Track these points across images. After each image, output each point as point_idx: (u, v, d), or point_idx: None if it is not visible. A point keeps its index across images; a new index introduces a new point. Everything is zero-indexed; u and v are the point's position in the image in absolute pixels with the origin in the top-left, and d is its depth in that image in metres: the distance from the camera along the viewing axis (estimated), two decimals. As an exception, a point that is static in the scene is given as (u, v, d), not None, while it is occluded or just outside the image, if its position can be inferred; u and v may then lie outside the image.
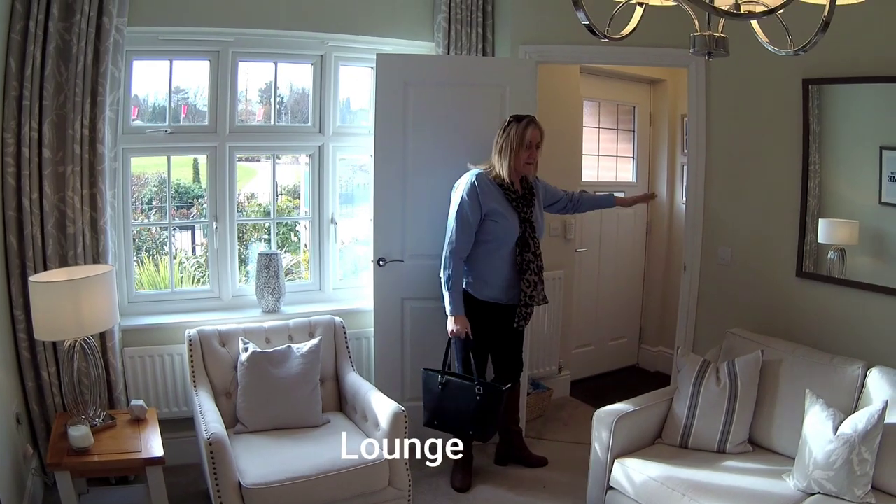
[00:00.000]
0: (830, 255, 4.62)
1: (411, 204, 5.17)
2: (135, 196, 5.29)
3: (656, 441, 4.33)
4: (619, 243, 7.13)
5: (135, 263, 5.24)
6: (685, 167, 6.00)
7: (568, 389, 6.60)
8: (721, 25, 2.28)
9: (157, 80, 5.08)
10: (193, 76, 5.17)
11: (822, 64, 4.44)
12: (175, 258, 5.51)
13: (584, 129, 6.72)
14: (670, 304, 6.72)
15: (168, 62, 5.06)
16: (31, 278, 3.89)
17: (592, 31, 2.17)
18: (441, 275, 4.72)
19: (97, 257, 4.47)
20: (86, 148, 4.39)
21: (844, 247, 4.57)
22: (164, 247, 5.45)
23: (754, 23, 2.27)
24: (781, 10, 2.03)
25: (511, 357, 4.96)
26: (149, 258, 5.55)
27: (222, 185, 5.20)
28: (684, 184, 6.21)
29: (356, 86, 5.64)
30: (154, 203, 5.49)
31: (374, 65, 5.09)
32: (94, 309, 3.81)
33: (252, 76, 5.32)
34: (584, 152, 6.72)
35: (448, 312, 4.65)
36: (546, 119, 5.37)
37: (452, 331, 4.66)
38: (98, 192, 4.44)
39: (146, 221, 5.45)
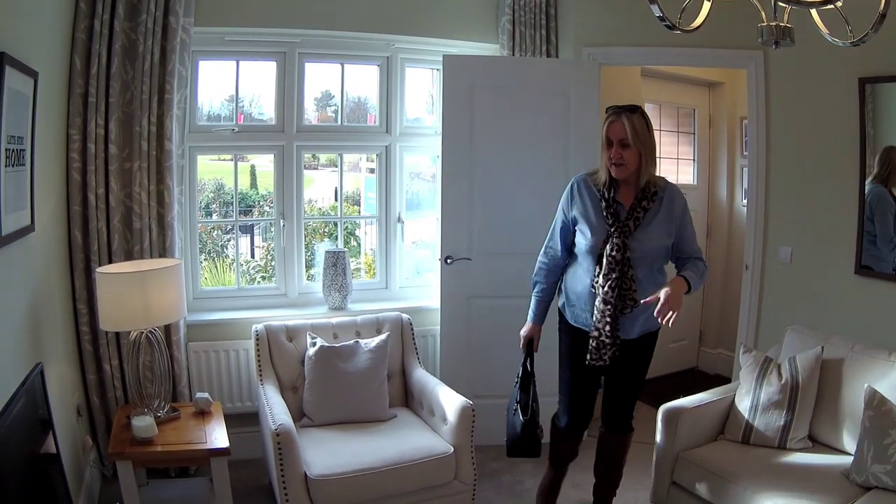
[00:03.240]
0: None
1: (478, 203, 5.24)
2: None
3: (719, 437, 4.33)
4: None
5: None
6: (744, 169, 6.02)
7: None
8: (787, 16, 2.31)
9: (215, 86, 5.23)
10: (250, 85, 5.31)
11: (878, 62, 4.43)
12: (237, 261, 5.58)
13: None
14: (730, 307, 6.67)
15: (234, 63, 5.17)
16: (97, 269, 3.98)
17: (665, 23, 2.24)
18: None
19: (164, 252, 4.56)
20: (153, 145, 4.49)
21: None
22: (225, 249, 5.60)
23: (815, 13, 2.32)
24: (840, 1, 2.07)
25: (612, 402, 4.18)
26: (208, 260, 5.69)
27: (290, 183, 5.28)
28: (744, 186, 6.20)
29: (412, 96, 5.71)
30: (212, 208, 5.61)
31: (438, 66, 5.18)
32: (162, 301, 3.88)
33: (309, 83, 5.40)
34: None
35: (528, 316, 4.14)
36: None
37: (521, 335, 4.14)
38: (165, 188, 4.53)
39: (213, 219, 5.56)
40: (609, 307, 3.68)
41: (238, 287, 5.43)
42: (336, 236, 5.78)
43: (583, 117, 5.23)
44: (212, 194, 5.70)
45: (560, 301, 4.03)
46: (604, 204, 3.73)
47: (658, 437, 4.22)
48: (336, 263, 5.21)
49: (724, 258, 7.17)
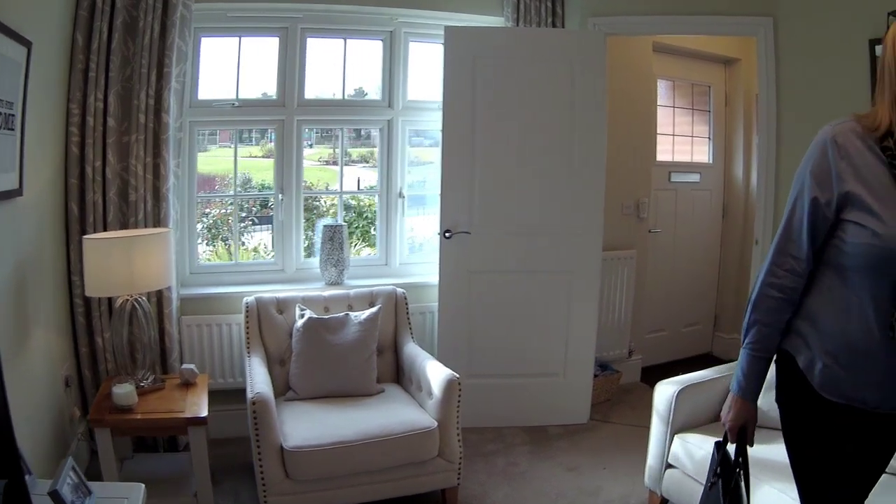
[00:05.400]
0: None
1: (479, 176, 5.15)
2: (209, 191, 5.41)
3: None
4: (695, 226, 7.00)
5: (207, 247, 5.34)
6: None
7: (639, 374, 6.48)
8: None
9: (219, 63, 5.21)
10: (252, 62, 5.29)
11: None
12: (255, 250, 5.64)
13: (659, 108, 6.63)
14: (746, 291, 6.42)
15: (237, 39, 5.15)
16: (85, 237, 3.96)
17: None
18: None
19: (158, 224, 4.54)
20: (150, 118, 4.48)
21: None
22: (241, 236, 5.57)
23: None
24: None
25: None
26: (224, 248, 5.72)
27: (289, 157, 5.25)
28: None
29: (414, 77, 5.63)
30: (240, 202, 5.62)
31: (443, 41, 5.07)
32: (147, 267, 3.87)
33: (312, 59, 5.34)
34: (658, 132, 6.63)
35: (731, 387, 2.53)
36: (619, 97, 5.48)
37: (723, 419, 2.61)
38: (162, 160, 4.52)
39: (210, 194, 5.54)
40: None
41: (235, 262, 5.43)
42: (365, 215, 5.69)
43: (588, 89, 5.13)
44: (240, 188, 5.68)
45: (800, 355, 2.34)
46: None
47: (654, 415, 4.09)
48: (333, 238, 5.15)
49: (740, 240, 7.04)
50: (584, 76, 5.11)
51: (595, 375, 5.57)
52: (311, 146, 5.74)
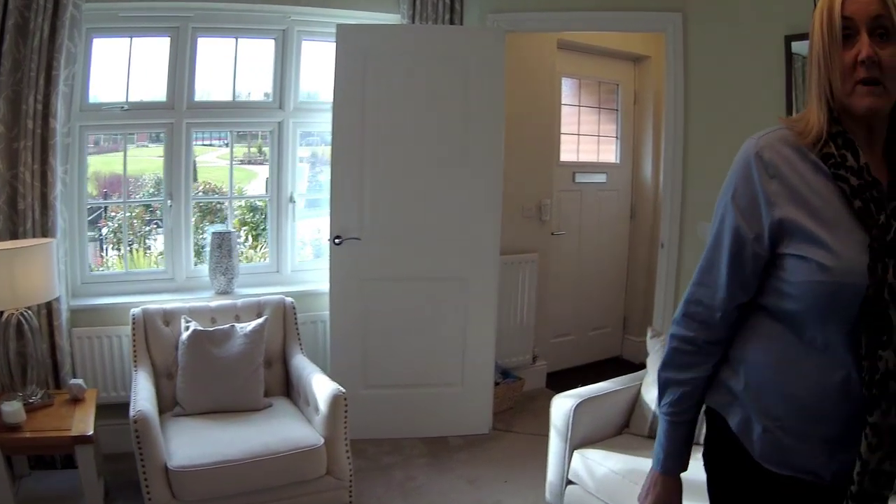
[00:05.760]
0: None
1: (369, 179, 5.10)
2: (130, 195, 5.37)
3: (623, 430, 4.13)
4: (601, 227, 7.07)
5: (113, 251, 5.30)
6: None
7: (544, 380, 6.51)
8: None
9: (109, 65, 5.06)
10: (143, 63, 5.14)
11: (808, 19, 4.08)
12: (162, 254, 5.48)
13: (563, 107, 6.69)
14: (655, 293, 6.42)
15: (129, 39, 5.07)
16: None
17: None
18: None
19: (46, 233, 4.45)
20: (38, 123, 4.38)
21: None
22: (146, 240, 5.55)
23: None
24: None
25: None
26: (132, 252, 5.57)
27: (178, 162, 5.16)
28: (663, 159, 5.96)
29: (308, 78, 5.60)
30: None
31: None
32: (30, 280, 3.82)
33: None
34: (562, 131, 6.68)
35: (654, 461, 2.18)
36: (520, 96, 5.52)
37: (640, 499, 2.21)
38: (49, 167, 4.43)
39: (102, 201, 5.49)
40: (890, 419, 1.67)
41: (126, 271, 5.31)
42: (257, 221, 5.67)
43: (486, 87, 5.12)
44: (153, 189, 5.60)
45: (732, 415, 1.98)
46: (855, 183, 1.72)
47: (552, 431, 4.02)
48: (222, 245, 5.09)
49: (649, 241, 7.10)
50: (481, 75, 5.09)
51: (496, 383, 5.59)
52: (226, 145, 5.65)
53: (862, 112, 1.72)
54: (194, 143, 5.28)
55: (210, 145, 5.72)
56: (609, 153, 7.14)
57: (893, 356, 1.65)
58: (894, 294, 1.66)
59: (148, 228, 5.43)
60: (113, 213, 5.55)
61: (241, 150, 5.79)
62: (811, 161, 1.77)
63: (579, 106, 6.89)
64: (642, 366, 6.54)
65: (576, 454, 3.85)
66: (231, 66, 5.34)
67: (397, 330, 5.13)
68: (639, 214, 7.21)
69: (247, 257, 5.83)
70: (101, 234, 5.46)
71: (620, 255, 7.27)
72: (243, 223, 5.90)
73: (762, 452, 1.86)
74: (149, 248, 5.53)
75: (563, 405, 3.91)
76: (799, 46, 4.36)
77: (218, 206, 5.73)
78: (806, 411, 1.78)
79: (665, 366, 2.08)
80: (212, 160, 5.77)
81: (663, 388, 2.10)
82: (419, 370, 5.24)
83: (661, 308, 5.50)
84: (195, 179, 5.53)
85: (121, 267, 5.34)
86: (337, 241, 5.03)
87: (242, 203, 5.93)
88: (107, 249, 5.51)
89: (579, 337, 7.03)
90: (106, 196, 5.42)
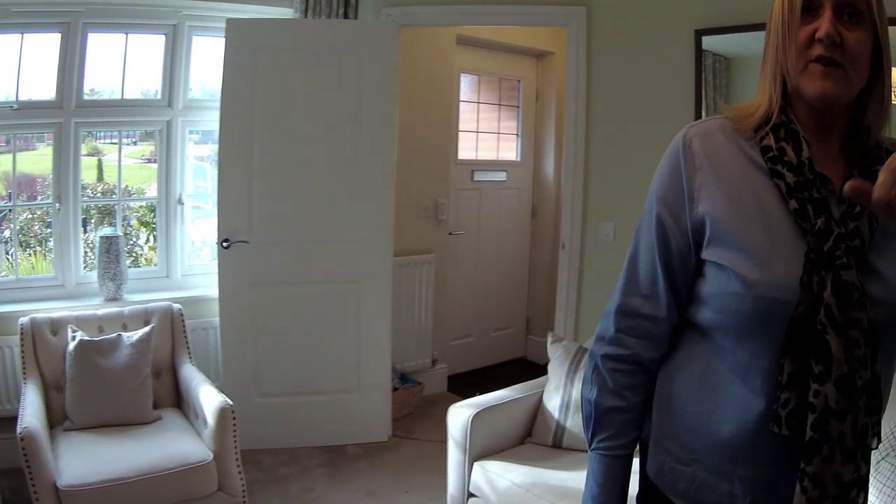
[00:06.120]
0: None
1: (258, 180, 5.03)
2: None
3: (526, 440, 4.03)
4: (502, 226, 7.14)
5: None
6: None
7: (445, 384, 6.57)
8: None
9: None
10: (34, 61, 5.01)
11: (719, 9, 4.30)
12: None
13: (462, 104, 6.74)
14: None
15: (20, 36, 4.92)
16: None
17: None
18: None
19: None
20: None
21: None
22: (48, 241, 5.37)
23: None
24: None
25: None
26: (35, 256, 5.47)
27: (66, 163, 5.07)
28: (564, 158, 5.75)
29: (199, 75, 5.54)
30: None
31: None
32: None
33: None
34: (460, 129, 6.70)
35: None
36: (417, 93, 5.51)
37: None
38: None
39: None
40: (851, 463, 1.45)
41: (16, 278, 5.15)
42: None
43: (379, 84, 5.09)
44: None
45: (651, 453, 1.77)
46: (791, 180, 1.51)
47: (450, 442, 3.92)
48: (110, 250, 5.00)
49: (551, 240, 7.17)
50: (374, 71, 5.08)
51: (395, 389, 5.60)
52: (135, 143, 5.64)
53: (814, 96, 1.49)
54: (101, 141, 5.26)
55: (115, 143, 5.57)
56: (509, 151, 7.22)
57: (834, 391, 1.42)
58: (832, 316, 1.42)
59: (49, 231, 5.29)
60: (19, 215, 5.46)
61: (148, 149, 5.71)
62: (746, 154, 1.58)
63: (478, 103, 6.95)
64: (547, 367, 6.54)
65: (476, 466, 3.76)
66: (121, 63, 5.23)
67: (290, 336, 5.08)
68: (540, 213, 7.30)
69: (146, 259, 5.74)
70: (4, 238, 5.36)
71: (522, 254, 7.34)
72: (143, 223, 5.80)
73: (669, 487, 1.68)
74: (49, 252, 5.40)
75: (460, 415, 3.82)
76: (710, 41, 4.38)
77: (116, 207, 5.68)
78: (726, 448, 1.56)
79: (601, 393, 1.77)
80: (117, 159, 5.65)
81: (600, 419, 1.79)
82: (314, 377, 5.22)
83: (563, 311, 5.45)
84: (100, 179, 5.49)
85: (11, 273, 5.21)
86: (225, 244, 4.95)
87: (143, 203, 5.81)
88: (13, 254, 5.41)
89: (481, 338, 7.08)
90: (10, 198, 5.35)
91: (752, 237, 1.51)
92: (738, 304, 1.49)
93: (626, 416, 1.76)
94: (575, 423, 3.81)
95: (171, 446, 3.87)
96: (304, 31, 5.11)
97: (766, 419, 1.48)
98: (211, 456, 3.81)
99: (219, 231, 4.97)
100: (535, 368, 6.85)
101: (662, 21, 4.64)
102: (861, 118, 1.56)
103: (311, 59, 4.99)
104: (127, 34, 5.20)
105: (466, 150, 6.80)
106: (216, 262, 5.32)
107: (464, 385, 6.45)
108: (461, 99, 6.66)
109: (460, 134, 6.67)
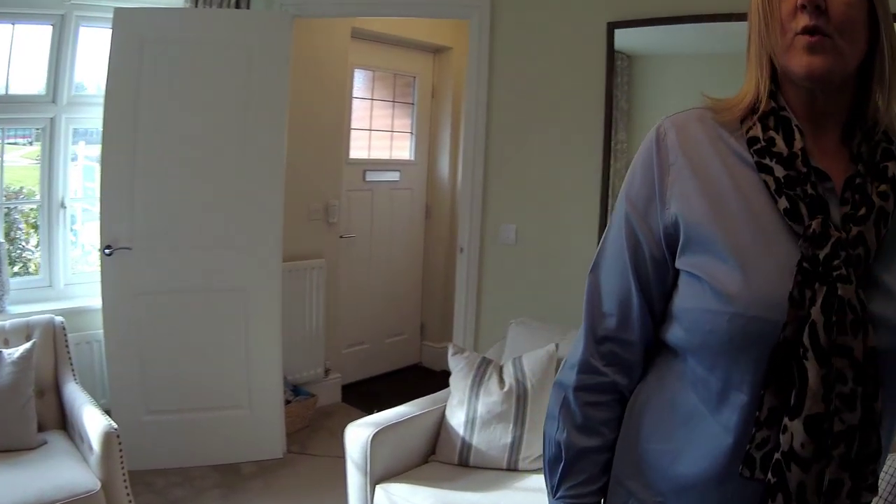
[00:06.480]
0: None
1: (142, 180, 4.81)
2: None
3: (430, 458, 3.86)
4: (395, 229, 7.06)
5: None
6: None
7: (339, 394, 6.43)
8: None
9: None
10: None
11: (634, 3, 4.23)
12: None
13: (355, 100, 6.62)
14: (453, 297, 6.36)
15: None
16: None
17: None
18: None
19: None
20: None
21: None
22: None
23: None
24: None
25: None
26: None
27: None
28: (462, 158, 5.75)
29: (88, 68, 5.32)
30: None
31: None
32: None
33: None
34: (353, 127, 6.57)
35: None
36: (308, 88, 5.38)
37: None
38: None
39: None
40: None
41: None
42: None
43: (270, 78, 4.95)
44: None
45: (611, 493, 1.57)
46: (781, 174, 1.31)
47: (349, 464, 3.74)
48: None
49: (446, 242, 7.17)
50: (265, 64, 4.93)
51: (287, 402, 5.46)
52: (31, 143, 5.35)
53: (802, 74, 1.28)
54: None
55: (14, 143, 5.35)
56: (403, 150, 7.17)
57: (802, 432, 1.21)
58: (816, 338, 1.21)
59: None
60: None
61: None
62: (729, 146, 1.38)
63: (372, 99, 6.87)
64: (444, 373, 6.34)
65: (379, 489, 3.59)
66: (6, 56, 5.00)
67: (178, 349, 4.90)
68: (434, 214, 7.27)
69: (36, 264, 5.42)
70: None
71: (416, 257, 7.29)
72: (34, 226, 5.52)
73: None
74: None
75: (359, 435, 3.64)
76: (623, 35, 4.29)
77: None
78: (694, 491, 1.35)
79: (572, 431, 1.53)
80: (14, 159, 5.39)
81: (572, 462, 1.54)
82: (204, 392, 5.05)
83: (461, 319, 5.32)
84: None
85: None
86: (107, 251, 4.74)
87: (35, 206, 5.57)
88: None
89: (374, 345, 7.00)
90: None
91: (733, 241, 1.30)
92: (712, 322, 1.28)
93: (601, 457, 1.54)
94: (482, 440, 3.71)
95: (57, 475, 3.63)
96: (193, 20, 4.93)
97: (739, 460, 1.28)
98: (98, 485, 3.58)
99: (101, 237, 4.77)
100: (431, 375, 6.90)
101: (573, 12, 4.57)
102: (864, 101, 1.34)
103: (199, 52, 4.82)
104: (14, 24, 4.94)
105: (359, 148, 6.71)
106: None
107: (359, 395, 6.38)
108: (354, 96, 6.57)
109: (353, 132, 6.58)
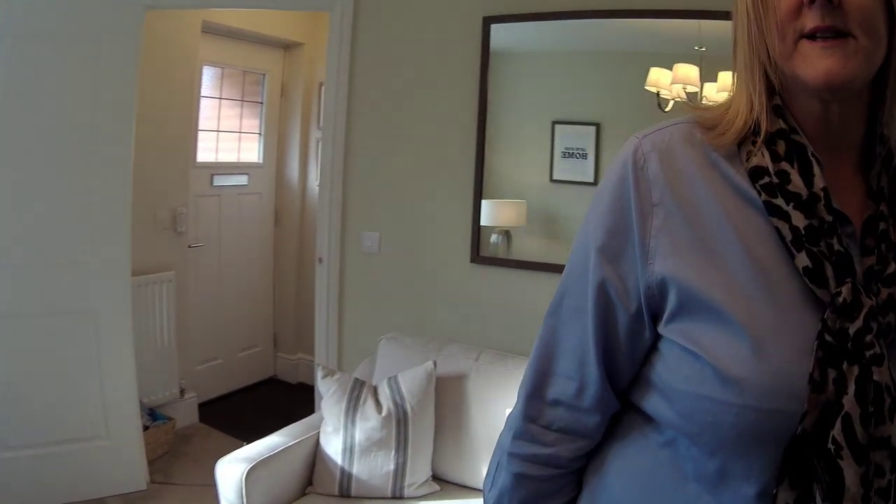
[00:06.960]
0: (494, 238, 4.26)
1: None
2: None
3: (307, 489, 3.60)
4: (243, 236, 6.76)
5: None
6: (320, 142, 5.33)
7: (197, 414, 6.05)
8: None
9: None
10: None
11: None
12: None
13: (203, 100, 6.28)
14: (307, 305, 6.38)
15: None
16: None
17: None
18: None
19: None
20: None
21: (510, 229, 4.25)
22: None
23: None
24: None
25: None
26: None
27: None
28: (319, 160, 5.39)
29: None
30: None
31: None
32: None
33: None
34: (200, 128, 6.25)
35: None
36: (155, 86, 5.13)
37: None
38: None
39: None
40: None
41: None
42: None
43: (117, 75, 4.52)
44: None
45: None
46: (802, 223, 1.01)
47: None
48: None
49: (297, 249, 6.96)
50: (112, 59, 4.53)
51: (146, 427, 5.13)
52: None
53: (818, 82, 0.99)
54: None
55: None
56: (251, 152, 6.88)
57: None
58: (852, 434, 0.95)
59: None
60: None
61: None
62: (727, 178, 1.09)
63: (220, 98, 6.56)
64: (301, 385, 6.23)
65: None
66: None
67: (23, 378, 4.46)
68: (284, 220, 7.03)
69: None
70: None
71: (266, 265, 7.05)
72: None
73: None
74: None
75: (232, 473, 3.34)
76: (498, 31, 4.10)
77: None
78: None
79: (503, 498, 1.30)
80: None
81: None
82: (58, 424, 4.62)
83: (322, 334, 4.99)
84: None
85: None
86: None
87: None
88: None
89: (228, 360, 6.70)
90: None
91: (740, 310, 1.01)
92: (714, 414, 1.02)
93: None
94: (362, 469, 3.49)
95: None
96: (36, 9, 4.45)
97: None
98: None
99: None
100: (288, 388, 6.81)
101: (445, 5, 4.37)
102: (877, 115, 1.07)
103: (47, 42, 4.38)
104: None
105: (206, 150, 6.40)
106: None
107: (216, 414, 6.08)
108: (202, 94, 6.26)
109: (200, 133, 6.27)
